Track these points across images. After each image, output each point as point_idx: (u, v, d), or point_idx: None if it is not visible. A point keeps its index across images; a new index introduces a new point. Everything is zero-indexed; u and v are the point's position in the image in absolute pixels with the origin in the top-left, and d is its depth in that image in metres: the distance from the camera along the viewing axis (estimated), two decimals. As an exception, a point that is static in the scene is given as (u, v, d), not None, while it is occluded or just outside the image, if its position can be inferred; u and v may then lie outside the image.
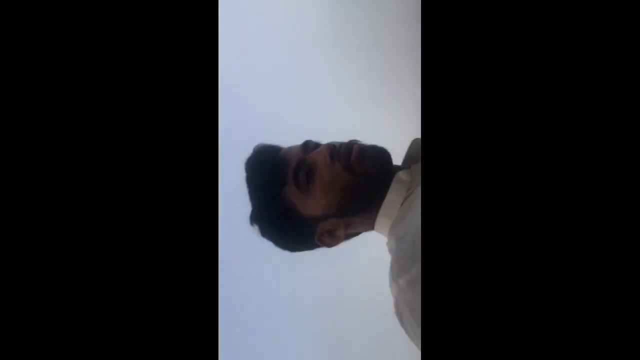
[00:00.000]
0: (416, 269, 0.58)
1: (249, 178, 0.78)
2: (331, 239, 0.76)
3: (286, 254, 0.81)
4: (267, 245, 0.80)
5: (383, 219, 0.73)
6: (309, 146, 0.77)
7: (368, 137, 0.77)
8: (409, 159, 0.78)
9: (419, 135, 0.80)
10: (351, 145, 0.74)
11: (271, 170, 0.75)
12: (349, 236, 0.79)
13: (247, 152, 0.79)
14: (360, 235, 0.81)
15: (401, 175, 0.73)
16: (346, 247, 0.81)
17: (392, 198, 0.72)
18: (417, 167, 0.74)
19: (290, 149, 0.78)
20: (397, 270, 0.63)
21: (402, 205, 0.72)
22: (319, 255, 0.81)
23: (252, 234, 0.79)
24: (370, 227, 0.76)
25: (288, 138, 0.80)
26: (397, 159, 0.78)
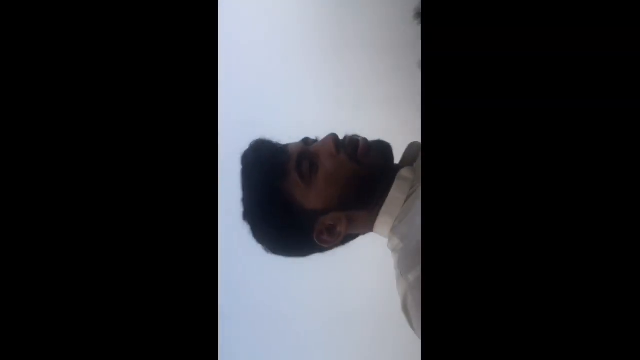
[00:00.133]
0: None
1: (245, 170, 0.75)
2: (331, 236, 0.74)
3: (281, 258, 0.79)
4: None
5: (385, 217, 0.72)
6: (309, 141, 0.76)
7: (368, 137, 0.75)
8: (404, 163, 0.77)
9: (417, 138, 0.80)
10: (356, 137, 0.73)
11: (271, 161, 0.73)
12: (346, 238, 0.77)
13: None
14: (356, 240, 0.79)
15: (404, 172, 0.72)
16: (342, 252, 0.79)
17: (395, 196, 0.71)
18: (419, 165, 0.73)
19: (290, 143, 0.77)
20: (406, 266, 0.61)
21: (405, 203, 0.71)
22: (316, 258, 0.78)
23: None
24: (370, 226, 0.74)
25: (288, 138, 0.79)
26: (395, 160, 0.77)
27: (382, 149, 0.74)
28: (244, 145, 0.76)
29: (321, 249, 0.77)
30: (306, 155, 0.72)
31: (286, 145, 0.76)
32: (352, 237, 0.78)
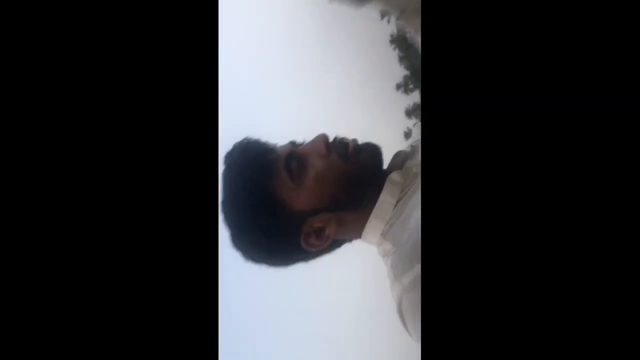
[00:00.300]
0: (420, 266, 0.55)
1: (228, 170, 0.71)
2: (318, 239, 0.71)
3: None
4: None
5: (375, 222, 0.70)
6: (296, 144, 0.74)
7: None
8: (392, 169, 0.75)
9: (403, 145, 0.80)
10: (346, 139, 0.72)
11: (259, 160, 0.70)
12: (335, 243, 0.75)
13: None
14: (341, 250, 0.77)
15: (394, 176, 0.71)
16: (326, 262, 0.77)
17: (386, 200, 0.69)
18: (410, 169, 0.72)
19: (278, 144, 0.75)
20: (400, 269, 0.60)
21: (396, 207, 0.69)
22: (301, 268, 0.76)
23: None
24: (359, 231, 0.72)
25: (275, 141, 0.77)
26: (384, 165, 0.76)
27: (372, 150, 0.73)
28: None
29: (305, 257, 0.75)
30: (295, 155, 0.71)
31: (274, 145, 0.74)
32: (339, 243, 0.76)
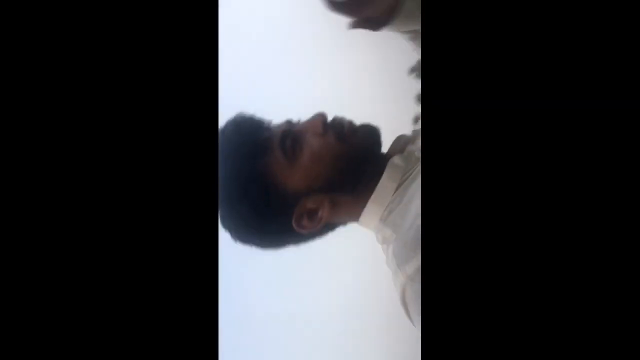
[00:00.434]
0: None
1: (224, 148, 0.68)
2: (311, 221, 0.69)
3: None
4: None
5: (374, 207, 0.68)
6: (292, 122, 0.72)
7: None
8: (393, 153, 0.74)
9: (406, 129, 0.78)
10: (344, 119, 0.70)
11: (253, 137, 0.68)
12: (328, 227, 0.73)
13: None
14: (335, 233, 0.75)
15: (396, 160, 0.69)
16: (319, 246, 0.75)
17: (386, 184, 0.68)
18: (412, 153, 0.71)
19: (273, 122, 0.73)
20: (403, 258, 0.59)
21: (396, 192, 0.68)
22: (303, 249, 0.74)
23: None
24: (355, 216, 0.70)
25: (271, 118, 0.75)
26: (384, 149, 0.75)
27: (371, 131, 0.71)
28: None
29: (297, 240, 0.73)
30: (291, 133, 0.68)
31: (269, 122, 0.72)
32: (332, 226, 0.74)
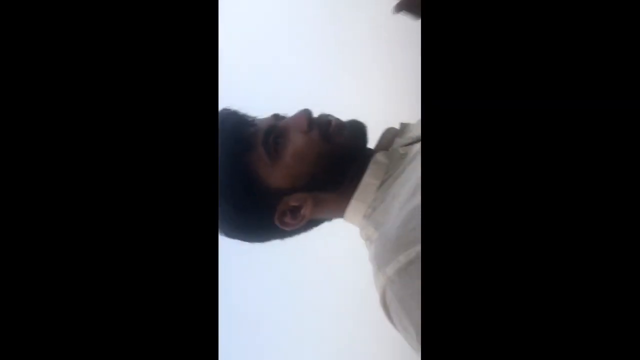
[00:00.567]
0: (405, 257, 0.55)
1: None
2: (294, 218, 0.69)
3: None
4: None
5: (357, 204, 0.68)
6: (279, 117, 0.71)
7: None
8: (380, 147, 0.73)
9: (395, 123, 0.78)
10: (330, 116, 0.69)
11: (236, 133, 0.67)
12: (312, 223, 0.73)
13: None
14: (320, 228, 0.75)
15: (379, 157, 0.69)
16: (304, 240, 0.75)
17: (369, 181, 0.67)
18: (396, 150, 0.70)
19: (258, 117, 0.72)
20: (384, 259, 0.58)
21: (379, 189, 0.67)
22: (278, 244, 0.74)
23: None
24: (339, 212, 0.71)
25: (257, 113, 0.74)
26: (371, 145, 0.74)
27: (357, 129, 0.70)
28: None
29: (281, 235, 0.73)
30: (275, 130, 0.68)
31: (254, 118, 0.71)
32: (316, 222, 0.74)
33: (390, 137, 0.74)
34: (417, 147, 0.68)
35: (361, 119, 0.72)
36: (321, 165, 0.67)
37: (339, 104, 0.73)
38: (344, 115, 0.71)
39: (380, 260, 0.59)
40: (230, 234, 0.72)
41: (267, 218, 0.69)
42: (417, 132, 0.71)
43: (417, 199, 0.57)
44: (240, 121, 0.70)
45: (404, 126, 0.75)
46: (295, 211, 0.69)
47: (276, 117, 0.71)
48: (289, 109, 0.72)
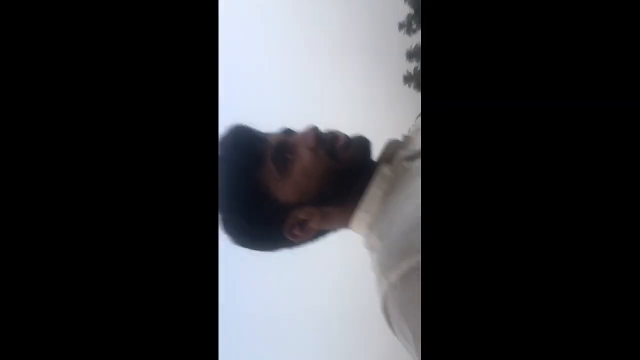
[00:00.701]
0: (407, 264, 0.56)
1: (223, 157, 0.71)
2: (302, 231, 0.72)
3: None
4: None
5: (362, 214, 0.71)
6: (289, 132, 0.74)
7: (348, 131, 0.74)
8: (383, 159, 0.75)
9: (397, 135, 0.79)
10: (337, 132, 0.72)
11: (248, 148, 0.70)
12: (319, 233, 0.76)
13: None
14: (327, 237, 0.78)
15: (384, 170, 0.71)
16: (311, 249, 0.77)
17: (374, 193, 0.70)
18: (400, 163, 0.72)
19: (269, 133, 0.75)
20: (387, 265, 0.59)
21: (384, 201, 0.69)
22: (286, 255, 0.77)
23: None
24: (346, 223, 0.73)
25: (268, 128, 0.77)
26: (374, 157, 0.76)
27: (362, 144, 0.73)
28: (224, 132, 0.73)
29: (290, 245, 0.76)
30: (284, 146, 0.70)
31: (265, 134, 0.74)
32: (324, 232, 0.77)
33: (393, 149, 0.76)
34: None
35: (364, 130, 0.74)
36: (328, 182, 0.70)
37: (343, 115, 0.75)
38: (349, 128, 0.74)
39: (384, 267, 0.60)
40: (243, 244, 0.75)
41: (276, 230, 0.72)
42: (419, 145, 0.72)
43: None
44: (252, 136, 0.73)
45: (407, 139, 0.77)
46: (303, 224, 0.72)
47: (286, 132, 0.74)
48: (295, 122, 0.75)
